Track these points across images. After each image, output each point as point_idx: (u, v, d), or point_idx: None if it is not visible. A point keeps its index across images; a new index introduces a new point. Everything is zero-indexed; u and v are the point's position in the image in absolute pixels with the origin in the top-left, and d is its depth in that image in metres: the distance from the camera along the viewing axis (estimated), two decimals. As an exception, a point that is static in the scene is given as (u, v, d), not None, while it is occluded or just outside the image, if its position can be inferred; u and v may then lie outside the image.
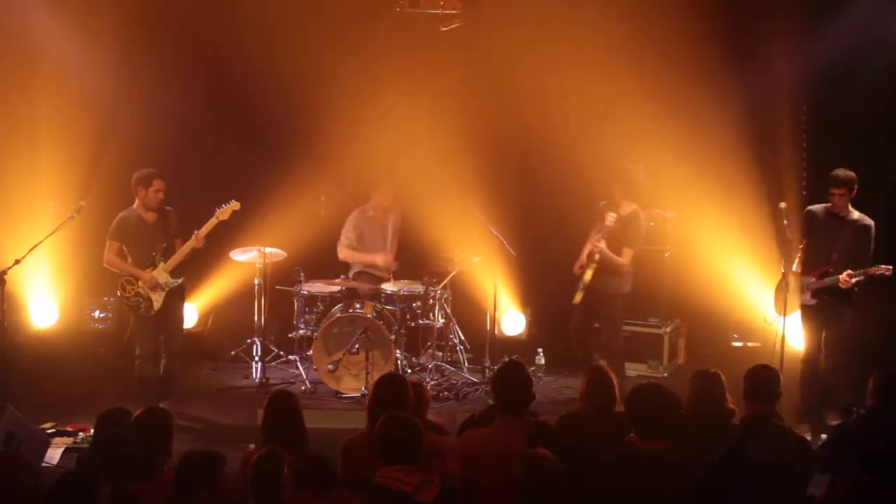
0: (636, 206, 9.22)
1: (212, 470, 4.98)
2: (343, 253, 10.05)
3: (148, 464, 5.28)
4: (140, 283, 8.55)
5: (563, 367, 9.95)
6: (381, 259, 9.98)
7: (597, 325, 9.49)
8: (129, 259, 8.62)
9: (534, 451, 4.97)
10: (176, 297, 8.75)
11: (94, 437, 5.91)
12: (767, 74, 10.00)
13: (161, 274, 8.58)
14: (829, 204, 8.40)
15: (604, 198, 9.27)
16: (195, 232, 8.64)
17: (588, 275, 9.06)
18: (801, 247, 8.56)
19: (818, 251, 8.42)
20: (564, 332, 9.68)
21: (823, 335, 8.48)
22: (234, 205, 8.84)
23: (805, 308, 8.51)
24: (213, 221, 8.72)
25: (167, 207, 8.72)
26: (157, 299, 8.58)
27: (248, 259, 9.73)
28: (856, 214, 8.42)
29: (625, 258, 9.10)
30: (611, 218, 9.05)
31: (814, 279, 8.39)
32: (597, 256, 9.04)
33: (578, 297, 9.14)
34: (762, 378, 5.90)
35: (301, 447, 5.51)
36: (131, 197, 8.77)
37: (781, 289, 8.46)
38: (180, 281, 8.70)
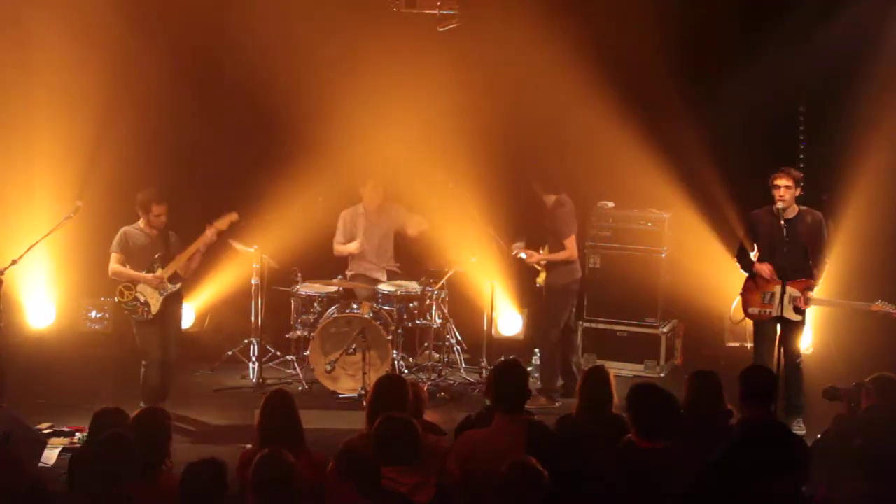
0: (556, 196, 9.19)
1: (218, 480, 4.96)
2: (335, 249, 10.09)
3: (147, 464, 5.27)
4: (138, 288, 8.58)
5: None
6: (354, 246, 9.96)
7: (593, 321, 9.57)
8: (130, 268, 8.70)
9: (519, 459, 4.95)
10: (175, 305, 8.80)
11: (90, 437, 5.89)
12: (766, 74, 10.00)
13: (158, 279, 8.62)
14: (774, 205, 8.11)
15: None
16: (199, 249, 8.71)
17: (542, 277, 9.23)
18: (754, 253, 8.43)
19: (789, 258, 8.10)
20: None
21: (783, 338, 8.24)
22: (232, 215, 8.89)
23: (773, 317, 8.28)
24: (211, 233, 8.77)
25: (169, 232, 8.75)
26: (155, 303, 8.60)
27: (243, 249, 9.64)
28: (807, 213, 8.22)
29: (568, 248, 9.11)
30: (518, 249, 9.28)
31: (798, 292, 8.13)
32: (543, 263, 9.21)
33: (541, 278, 9.28)
34: (757, 379, 5.89)
35: (298, 447, 5.50)
36: (128, 198, 8.82)
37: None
38: (178, 287, 8.72)
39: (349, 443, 5.65)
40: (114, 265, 8.65)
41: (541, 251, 9.24)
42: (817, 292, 8.25)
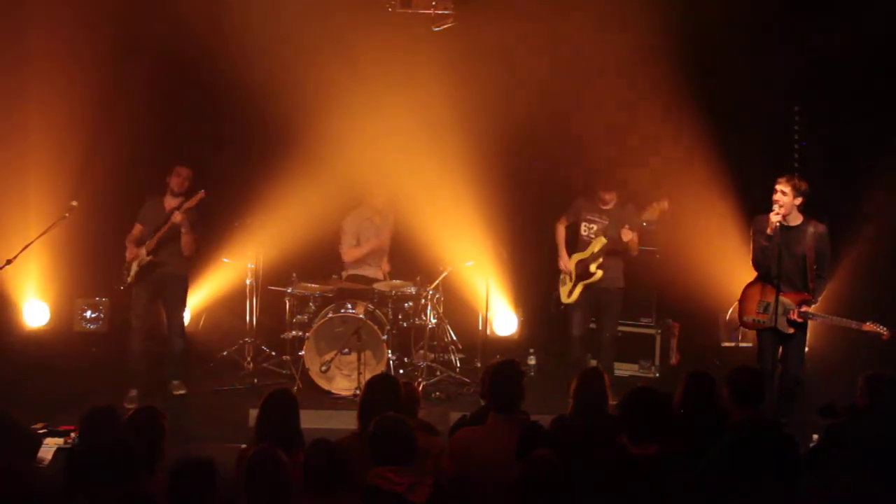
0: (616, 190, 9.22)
1: (206, 479, 4.96)
2: (349, 254, 10.00)
3: (141, 464, 5.27)
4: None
5: (554, 368, 9.94)
6: (374, 243, 9.97)
7: (592, 323, 9.51)
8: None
9: (536, 453, 4.96)
10: (175, 282, 9.08)
11: (82, 437, 5.86)
12: (761, 75, 10.02)
13: (142, 250, 8.95)
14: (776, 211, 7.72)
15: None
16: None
17: (596, 271, 9.09)
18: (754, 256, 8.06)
19: (784, 267, 7.73)
20: (558, 332, 9.69)
21: (783, 349, 7.94)
22: (200, 193, 8.96)
23: (768, 328, 7.88)
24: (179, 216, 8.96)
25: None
26: (133, 272, 8.95)
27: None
28: (810, 224, 7.82)
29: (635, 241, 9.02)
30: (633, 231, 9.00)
31: (792, 304, 7.79)
32: (597, 249, 9.07)
33: (576, 294, 9.16)
34: (742, 380, 5.89)
35: (297, 446, 5.50)
36: (124, 197, 8.91)
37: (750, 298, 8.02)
38: (148, 259, 8.94)
39: (341, 442, 5.66)
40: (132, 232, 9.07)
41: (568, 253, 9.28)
42: (815, 307, 7.89)
